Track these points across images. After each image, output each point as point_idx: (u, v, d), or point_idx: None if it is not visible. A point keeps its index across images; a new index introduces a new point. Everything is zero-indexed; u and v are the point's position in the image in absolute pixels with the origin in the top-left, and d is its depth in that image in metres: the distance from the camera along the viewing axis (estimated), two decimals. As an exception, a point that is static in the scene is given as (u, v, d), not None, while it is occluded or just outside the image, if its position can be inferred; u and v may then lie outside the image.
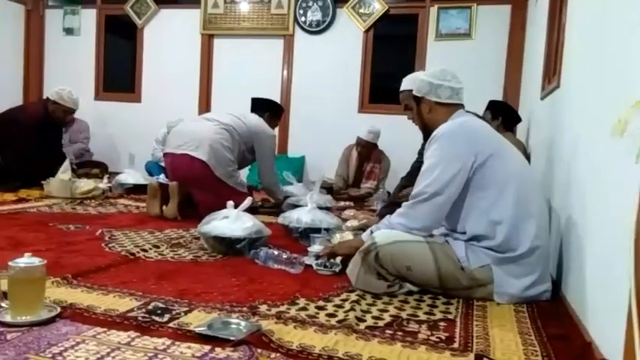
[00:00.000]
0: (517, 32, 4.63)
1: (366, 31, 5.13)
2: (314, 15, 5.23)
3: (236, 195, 2.72)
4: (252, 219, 2.30)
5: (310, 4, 5.22)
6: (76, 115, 5.17)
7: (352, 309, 1.54)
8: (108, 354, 1.14)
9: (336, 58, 5.21)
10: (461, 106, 1.94)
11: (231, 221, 2.22)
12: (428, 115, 1.95)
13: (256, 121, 3.31)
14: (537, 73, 3.20)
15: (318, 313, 1.50)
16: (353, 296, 1.67)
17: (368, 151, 4.55)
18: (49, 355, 1.11)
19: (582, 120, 1.76)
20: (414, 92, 1.98)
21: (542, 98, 2.90)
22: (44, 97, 5.90)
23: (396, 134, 4.70)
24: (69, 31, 6.00)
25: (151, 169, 4.84)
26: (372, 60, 5.19)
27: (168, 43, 5.67)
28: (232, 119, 3.19)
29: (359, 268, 1.76)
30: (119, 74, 6.10)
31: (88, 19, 5.93)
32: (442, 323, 1.49)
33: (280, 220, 2.64)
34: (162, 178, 3.59)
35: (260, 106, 3.49)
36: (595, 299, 1.39)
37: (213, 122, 3.13)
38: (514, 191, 1.73)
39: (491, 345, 1.34)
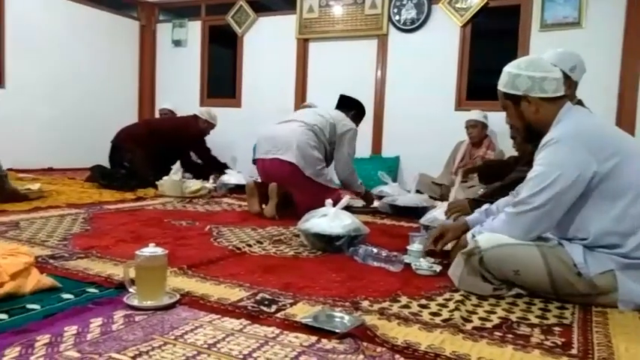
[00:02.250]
0: (635, 15, 4.23)
1: (464, 26, 4.97)
2: (408, 13, 5.16)
3: (329, 191, 2.83)
4: (351, 217, 2.32)
5: (405, 2, 5.17)
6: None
7: (457, 309, 1.49)
8: (223, 338, 1.21)
9: (431, 55, 5.11)
10: (566, 97, 1.73)
11: (330, 219, 2.26)
12: (535, 116, 1.69)
13: (340, 115, 3.38)
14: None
15: (421, 311, 1.48)
16: (457, 296, 1.62)
17: (479, 133, 4.40)
18: (172, 337, 1.21)
19: None
20: (510, 90, 1.71)
21: (668, 87, 2.61)
22: (159, 107, 6.44)
23: (497, 132, 4.51)
24: (177, 43, 6.49)
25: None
26: (470, 56, 5.02)
27: (266, 49, 5.92)
28: (316, 118, 3.25)
29: (462, 270, 1.68)
30: (222, 81, 6.47)
31: (194, 30, 6.38)
32: (557, 328, 1.39)
33: (423, 220, 2.64)
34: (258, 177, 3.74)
35: (347, 104, 3.54)
36: None
37: (298, 123, 3.20)
38: None
39: (615, 354, 1.24)
